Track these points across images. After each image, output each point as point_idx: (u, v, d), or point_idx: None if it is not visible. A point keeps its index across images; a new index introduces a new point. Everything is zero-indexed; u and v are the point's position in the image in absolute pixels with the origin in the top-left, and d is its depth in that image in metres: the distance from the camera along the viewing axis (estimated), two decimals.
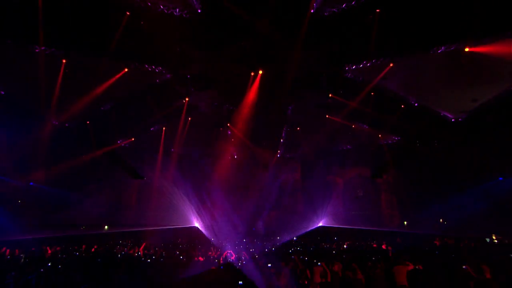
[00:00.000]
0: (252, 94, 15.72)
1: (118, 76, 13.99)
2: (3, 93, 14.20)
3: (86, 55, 12.92)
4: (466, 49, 11.55)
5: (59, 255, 11.83)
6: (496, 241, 15.73)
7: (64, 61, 12.90)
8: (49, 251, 13.33)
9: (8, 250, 12.69)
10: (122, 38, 12.14)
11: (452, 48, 11.96)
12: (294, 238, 19.55)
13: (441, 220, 20.13)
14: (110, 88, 14.71)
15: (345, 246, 15.18)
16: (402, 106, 16.29)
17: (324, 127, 19.86)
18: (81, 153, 18.84)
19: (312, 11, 11.38)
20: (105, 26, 11.66)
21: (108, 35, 12.04)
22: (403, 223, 22.06)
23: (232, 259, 11.24)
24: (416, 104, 16.01)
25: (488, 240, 15.86)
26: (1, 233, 15.56)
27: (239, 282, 7.51)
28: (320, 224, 23.25)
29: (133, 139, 20.13)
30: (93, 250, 13.72)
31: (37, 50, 12.23)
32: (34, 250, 13.45)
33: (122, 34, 11.96)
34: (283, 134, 21.97)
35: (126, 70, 13.86)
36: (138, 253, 13.91)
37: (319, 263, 8.02)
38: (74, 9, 10.86)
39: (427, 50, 12.22)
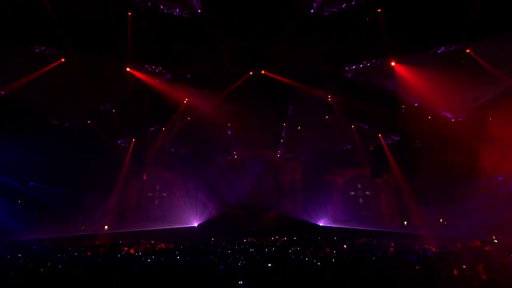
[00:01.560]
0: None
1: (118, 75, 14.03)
2: (3, 93, 14.22)
3: (86, 55, 12.94)
4: (467, 51, 11.58)
5: (59, 255, 11.80)
6: (496, 241, 15.71)
7: (63, 59, 12.88)
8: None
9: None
10: (122, 38, 12.18)
11: (452, 48, 11.98)
12: (294, 238, 19.50)
13: (441, 220, 20.11)
14: (110, 88, 14.73)
15: (344, 246, 15.12)
16: (403, 106, 16.31)
17: (324, 127, 19.90)
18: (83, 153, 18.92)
19: (312, 11, 11.38)
20: (105, 26, 11.67)
21: (108, 35, 12.06)
22: (403, 223, 22.06)
23: None
24: (416, 104, 16.02)
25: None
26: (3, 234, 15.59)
27: (239, 282, 7.49)
28: (320, 224, 23.24)
29: (133, 139, 20.17)
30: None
31: (37, 50, 12.25)
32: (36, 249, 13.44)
33: (122, 34, 11.99)
34: (283, 134, 22.01)
35: (127, 69, 13.91)
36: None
37: (319, 263, 8.02)
38: (75, 9, 10.89)
39: (427, 50, 12.23)
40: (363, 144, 21.03)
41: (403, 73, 13.76)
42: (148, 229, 21.17)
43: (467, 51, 11.55)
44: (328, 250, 12.23)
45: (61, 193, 18.53)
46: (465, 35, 11.22)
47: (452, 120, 16.65)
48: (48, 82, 13.33)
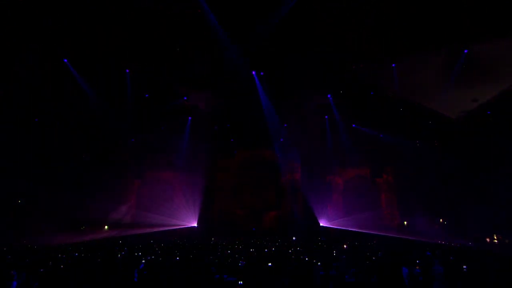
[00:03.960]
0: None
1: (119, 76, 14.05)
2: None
3: (87, 55, 12.96)
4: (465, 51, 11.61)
5: (59, 255, 11.79)
6: (496, 241, 15.74)
7: (65, 60, 12.94)
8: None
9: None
10: (122, 38, 12.20)
11: (452, 48, 11.99)
12: (294, 238, 19.50)
13: (441, 220, 20.12)
14: (110, 88, 14.74)
15: (344, 246, 15.05)
16: (402, 106, 16.32)
17: (323, 127, 19.92)
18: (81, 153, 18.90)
19: (311, 11, 11.40)
20: (106, 26, 11.69)
21: (109, 35, 12.08)
22: (403, 223, 22.06)
23: None
24: (416, 104, 16.03)
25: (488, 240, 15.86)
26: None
27: (239, 282, 7.49)
28: (320, 224, 23.22)
29: (133, 139, 20.16)
30: None
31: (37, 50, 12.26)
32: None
33: (122, 34, 12.02)
34: (283, 134, 22.02)
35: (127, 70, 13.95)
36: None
37: (318, 263, 8.03)
38: (75, 9, 10.90)
39: (427, 50, 12.25)
40: (363, 144, 21.02)
41: (403, 73, 13.78)
42: (148, 230, 21.17)
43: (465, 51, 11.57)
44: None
45: (60, 194, 18.53)
46: (465, 35, 11.24)
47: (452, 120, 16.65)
48: (49, 82, 13.35)
